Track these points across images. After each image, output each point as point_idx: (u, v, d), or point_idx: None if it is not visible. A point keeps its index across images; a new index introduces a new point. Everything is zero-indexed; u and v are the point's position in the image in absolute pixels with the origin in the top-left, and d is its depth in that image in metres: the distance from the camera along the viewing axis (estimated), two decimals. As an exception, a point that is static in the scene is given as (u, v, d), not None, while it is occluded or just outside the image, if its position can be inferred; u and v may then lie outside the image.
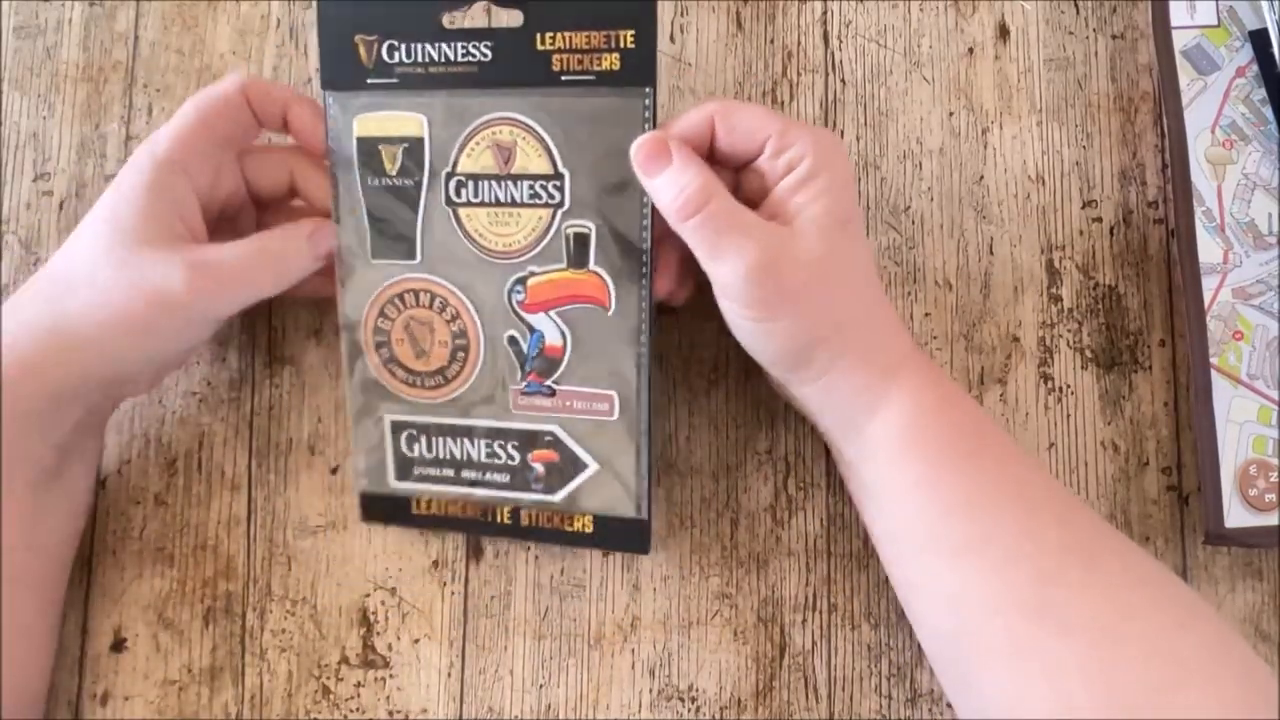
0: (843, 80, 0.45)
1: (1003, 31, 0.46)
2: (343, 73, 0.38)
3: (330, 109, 0.38)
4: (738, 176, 0.38)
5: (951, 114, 0.45)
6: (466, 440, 0.41)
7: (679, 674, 0.42)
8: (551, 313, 0.39)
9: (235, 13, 0.46)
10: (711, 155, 0.37)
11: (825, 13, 0.46)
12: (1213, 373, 0.42)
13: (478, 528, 0.42)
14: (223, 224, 0.40)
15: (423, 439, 0.41)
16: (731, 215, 0.35)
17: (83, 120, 0.45)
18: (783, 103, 0.45)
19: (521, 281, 0.39)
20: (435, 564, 0.42)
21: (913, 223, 0.44)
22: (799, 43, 0.45)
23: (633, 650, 0.42)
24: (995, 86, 0.45)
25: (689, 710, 0.41)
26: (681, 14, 0.46)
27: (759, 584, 0.42)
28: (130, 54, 0.45)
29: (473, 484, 0.41)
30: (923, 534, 0.36)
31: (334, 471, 0.43)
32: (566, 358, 0.39)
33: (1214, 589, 0.42)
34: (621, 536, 0.40)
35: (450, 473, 0.41)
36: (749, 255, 0.34)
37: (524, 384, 0.40)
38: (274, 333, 0.44)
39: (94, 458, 0.41)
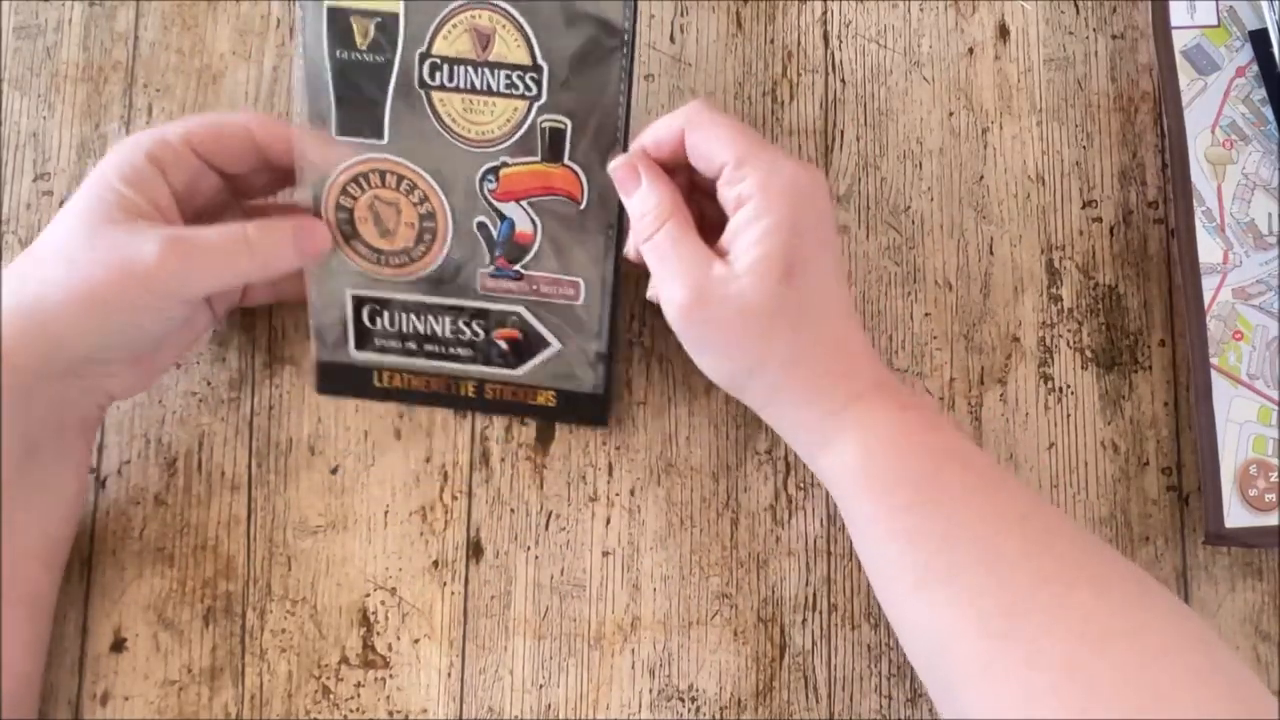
0: (843, 80, 0.45)
1: (1003, 31, 0.46)
2: None
3: None
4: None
5: (951, 114, 0.45)
6: (431, 317, 0.41)
7: (679, 674, 0.42)
8: (523, 202, 0.39)
9: (235, 13, 0.46)
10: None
11: (825, 13, 0.46)
12: (1213, 373, 0.42)
13: (441, 401, 0.42)
14: (203, 221, 0.40)
15: (385, 314, 0.41)
16: (677, 245, 0.36)
17: (83, 120, 0.45)
18: (783, 103, 0.45)
19: (494, 171, 0.39)
20: (435, 564, 0.42)
21: (913, 223, 0.44)
22: (799, 43, 0.45)
23: (633, 650, 0.42)
24: (995, 86, 0.45)
25: (689, 710, 0.41)
26: (681, 14, 0.46)
27: (759, 584, 0.42)
28: (130, 54, 0.45)
29: (434, 357, 0.41)
30: (886, 564, 0.36)
31: (334, 471, 0.43)
32: (536, 245, 0.40)
33: (1214, 589, 0.42)
34: (581, 410, 0.42)
35: (413, 346, 0.41)
36: (679, 291, 0.36)
37: (492, 267, 0.40)
38: (274, 333, 0.44)
39: (78, 463, 0.39)
